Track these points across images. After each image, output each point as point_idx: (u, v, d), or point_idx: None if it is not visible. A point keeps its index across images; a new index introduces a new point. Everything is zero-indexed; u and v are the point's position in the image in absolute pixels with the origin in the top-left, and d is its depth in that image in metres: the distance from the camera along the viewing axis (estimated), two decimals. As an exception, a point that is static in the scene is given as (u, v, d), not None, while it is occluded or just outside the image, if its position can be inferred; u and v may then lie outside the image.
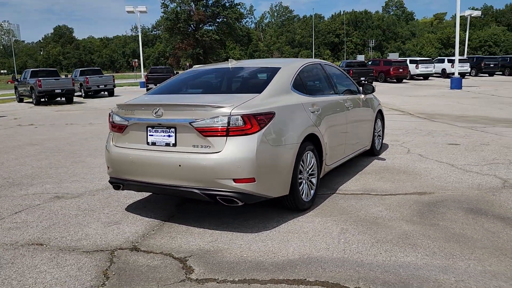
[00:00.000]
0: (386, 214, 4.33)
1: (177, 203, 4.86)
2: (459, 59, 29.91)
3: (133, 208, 4.75)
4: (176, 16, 54.44)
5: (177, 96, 4.48)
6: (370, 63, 36.63)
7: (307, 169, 4.49)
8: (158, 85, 4.99)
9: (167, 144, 3.96)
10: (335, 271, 3.17)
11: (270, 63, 4.99)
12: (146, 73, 31.15)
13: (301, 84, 4.74)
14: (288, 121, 4.17)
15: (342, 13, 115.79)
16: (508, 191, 4.95)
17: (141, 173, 4.06)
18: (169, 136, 3.95)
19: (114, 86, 28.69)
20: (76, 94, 24.28)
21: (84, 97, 26.31)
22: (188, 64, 70.24)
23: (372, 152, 6.89)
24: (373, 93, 6.76)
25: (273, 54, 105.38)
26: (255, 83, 4.49)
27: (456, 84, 24.34)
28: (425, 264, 3.24)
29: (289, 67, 4.70)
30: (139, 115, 4.09)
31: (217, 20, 58.35)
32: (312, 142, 4.51)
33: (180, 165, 3.80)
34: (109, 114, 4.46)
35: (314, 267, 3.24)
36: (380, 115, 7.16)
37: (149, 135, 4.06)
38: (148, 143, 4.07)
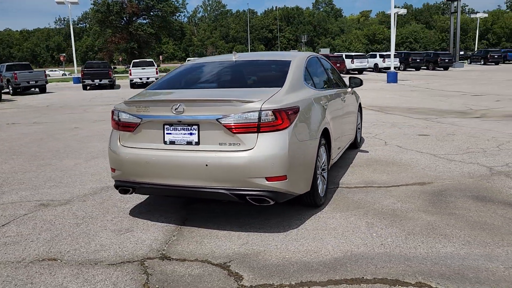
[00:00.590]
0: (401, 206, 4.38)
1: (183, 205, 4.58)
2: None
3: (137, 213, 4.40)
4: (107, 8, 51.86)
5: (192, 91, 4.18)
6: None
7: (321, 164, 4.43)
8: (157, 79, 4.64)
9: (189, 143, 3.69)
10: (387, 266, 3.12)
11: (276, 56, 4.84)
12: (81, 68, 29.30)
13: (310, 78, 4.65)
14: (309, 115, 4.06)
15: (274, 8, 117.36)
16: (498, 178, 5.23)
17: (158, 175, 3.75)
18: (191, 134, 3.68)
19: (47, 82, 26.82)
20: (3, 91, 22.32)
21: (12, 94, 24.30)
22: (120, 59, 67.30)
23: (355, 145, 6.99)
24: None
25: (207, 49, 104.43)
26: (271, 77, 4.31)
27: (392, 78, 25.62)
28: (467, 253, 3.30)
29: (297, 60, 4.58)
30: (155, 112, 3.76)
31: (152, 13, 56.52)
32: (324, 136, 4.45)
33: (207, 165, 3.55)
34: (113, 111, 4.07)
35: (364, 264, 3.17)
36: (359, 108, 7.28)
37: (167, 133, 3.76)
38: (165, 142, 3.76)
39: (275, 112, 3.55)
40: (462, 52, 61.09)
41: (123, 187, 3.98)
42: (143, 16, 57.45)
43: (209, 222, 4.07)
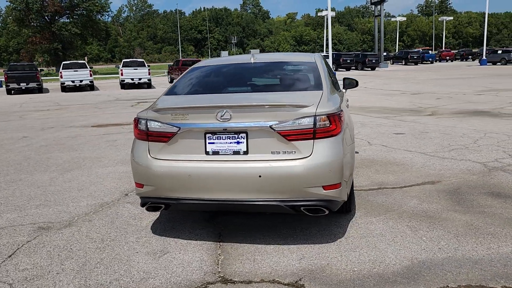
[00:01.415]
0: (429, 207, 4.39)
1: (208, 218, 4.23)
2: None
3: (161, 230, 3.98)
4: (26, 6, 47.99)
5: (228, 95, 3.83)
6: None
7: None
8: (174, 83, 4.23)
9: (236, 153, 3.38)
10: (462, 272, 3.07)
11: (292, 57, 4.64)
12: (4, 71, 26.83)
13: (330, 79, 4.51)
14: (347, 119, 3.93)
15: (203, 9, 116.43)
16: (498, 174, 5.46)
17: (200, 189, 3.39)
18: (238, 143, 3.38)
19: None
20: None
21: None
22: (41, 60, 62.67)
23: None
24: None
25: (134, 50, 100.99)
26: (303, 79, 4.08)
27: (333, 78, 26.41)
28: (525, 251, 3.35)
29: (319, 60, 4.40)
30: (196, 120, 3.40)
31: (76, 12, 53.26)
32: None
33: (260, 176, 3.27)
34: (137, 120, 3.64)
35: (439, 271, 3.09)
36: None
37: (209, 143, 3.41)
38: (207, 153, 3.42)
39: (329, 117, 3.36)
40: (385, 53, 64.82)
41: (156, 204, 3.57)
42: (67, 15, 53.95)
43: (247, 237, 3.78)
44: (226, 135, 3.38)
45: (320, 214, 3.43)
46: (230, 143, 3.38)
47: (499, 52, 47.84)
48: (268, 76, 4.28)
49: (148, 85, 26.87)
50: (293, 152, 3.32)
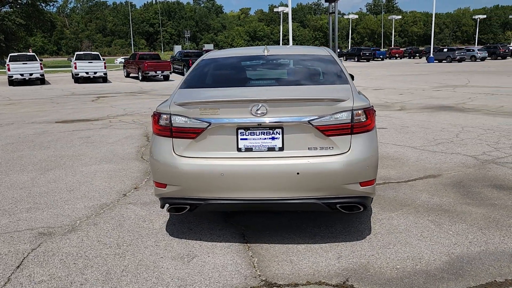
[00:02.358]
0: (441, 200, 4.43)
1: (225, 218, 4.02)
2: None
3: (179, 232, 3.73)
4: (-37, -6, 44.59)
5: (260, 89, 3.60)
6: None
7: None
8: (186, 77, 3.95)
9: (271, 149, 3.20)
10: (505, 266, 3.08)
11: (306, 50, 4.49)
12: None
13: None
14: None
15: (155, 2, 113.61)
16: (492, 167, 5.62)
17: (232, 188, 3.19)
18: (273, 138, 3.20)
19: None
20: None
21: None
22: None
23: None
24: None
25: (82, 42, 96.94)
26: (328, 73, 3.92)
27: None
28: (551, 242, 3.43)
29: (332, 54, 4.29)
30: (228, 115, 3.18)
31: (20, 1, 50.18)
32: None
33: (298, 173, 3.12)
34: (159, 115, 3.36)
35: (480, 265, 3.09)
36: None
37: (241, 139, 3.21)
38: (239, 149, 3.22)
39: (365, 111, 3.26)
40: (338, 50, 66.24)
41: (181, 205, 3.32)
42: (10, 4, 50.73)
43: (272, 236, 3.62)
44: (261, 131, 3.19)
45: (355, 212, 3.34)
46: (265, 139, 3.20)
47: (445, 50, 50.28)
48: (289, 70, 4.11)
49: (104, 79, 25.80)
50: (331, 148, 3.19)
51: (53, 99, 16.33)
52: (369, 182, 3.27)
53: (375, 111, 3.42)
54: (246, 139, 3.21)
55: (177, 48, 68.77)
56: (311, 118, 3.14)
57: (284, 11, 54.23)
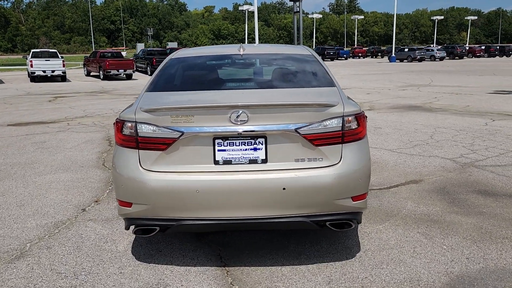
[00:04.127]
0: (428, 209, 4.18)
1: (196, 238, 3.60)
2: None
3: (147, 256, 3.28)
4: None
5: (238, 93, 3.18)
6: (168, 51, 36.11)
7: None
8: (154, 78, 3.48)
9: (253, 161, 2.82)
10: (508, 286, 2.82)
11: (284, 49, 4.11)
12: None
13: None
14: None
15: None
16: (473, 170, 5.46)
17: (210, 207, 2.78)
18: (255, 149, 2.81)
19: None
20: None
21: None
22: None
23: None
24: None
25: (39, 39, 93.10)
26: (312, 74, 3.53)
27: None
28: (550, 256, 3.22)
29: (314, 53, 3.94)
30: (204, 123, 2.76)
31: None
32: None
33: (284, 188, 2.75)
34: (122, 122, 2.91)
35: (483, 285, 2.82)
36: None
37: (218, 150, 2.81)
38: (216, 162, 2.81)
39: (357, 117, 2.93)
40: (303, 49, 66.52)
41: (150, 226, 2.88)
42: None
43: (252, 257, 3.24)
44: (241, 141, 2.80)
45: (346, 229, 3.00)
46: (246, 150, 2.81)
47: (406, 50, 51.44)
48: (269, 71, 3.72)
49: (63, 78, 24.58)
50: (320, 159, 2.84)
51: (6, 100, 15.28)
52: (362, 196, 2.94)
53: (366, 117, 3.09)
54: (224, 150, 2.81)
55: (140, 46, 66.82)
56: (298, 126, 2.77)
57: (249, 10, 53.91)
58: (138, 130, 2.83)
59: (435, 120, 9.30)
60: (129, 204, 2.88)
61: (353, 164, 2.87)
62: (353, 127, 2.90)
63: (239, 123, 2.75)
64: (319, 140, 2.81)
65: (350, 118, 2.88)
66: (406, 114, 10.38)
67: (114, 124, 3.02)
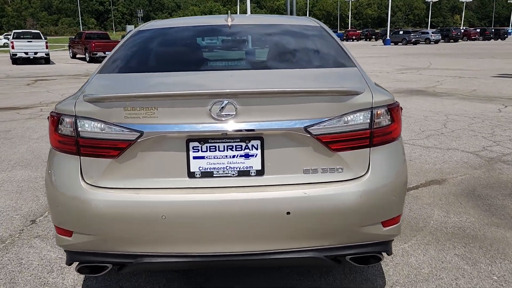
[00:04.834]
0: (459, 220, 3.39)
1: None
2: None
3: (102, 294, 2.45)
4: None
5: (221, 74, 2.31)
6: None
7: None
8: (112, 54, 2.59)
9: (244, 173, 1.97)
10: None
11: (284, 20, 3.19)
12: None
13: None
14: None
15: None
16: (502, 167, 4.67)
17: (182, 239, 1.94)
18: (246, 156, 1.96)
19: None
20: None
21: None
22: None
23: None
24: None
25: (26, 21, 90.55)
26: (322, 51, 2.65)
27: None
28: None
29: (323, 25, 3.05)
30: (173, 118, 1.90)
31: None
32: None
33: (288, 213, 1.91)
34: (57, 117, 2.04)
35: None
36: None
37: (194, 157, 1.95)
38: (192, 175, 1.96)
39: (391, 109, 2.08)
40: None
41: (98, 263, 2.04)
42: None
43: (245, 295, 2.42)
44: (227, 144, 1.95)
45: (372, 264, 2.18)
46: (233, 157, 1.96)
47: (401, 33, 50.49)
48: (266, 47, 2.82)
49: (46, 60, 23.42)
50: (340, 170, 2.00)
51: (-19, 83, 14.24)
52: (395, 219, 2.12)
53: (402, 108, 2.25)
54: (203, 157, 1.95)
55: (130, 28, 65.03)
56: (308, 123, 1.92)
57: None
58: (79, 129, 1.96)
59: (443, 106, 8.50)
60: (68, 233, 2.02)
61: (386, 175, 2.04)
62: (385, 124, 2.05)
63: (223, 118, 1.89)
64: (338, 143, 1.96)
65: (381, 111, 2.04)
66: (410, 99, 9.57)
67: (48, 118, 2.14)
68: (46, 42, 23.69)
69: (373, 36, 63.28)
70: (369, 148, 2.02)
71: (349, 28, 76.53)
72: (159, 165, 1.94)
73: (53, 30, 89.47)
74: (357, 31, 66.21)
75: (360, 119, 1.99)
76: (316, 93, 1.93)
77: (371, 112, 2.00)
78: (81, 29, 70.95)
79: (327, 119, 1.94)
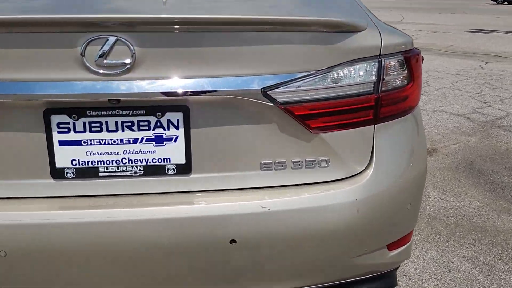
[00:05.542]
0: (461, 205, 2.71)
1: None
2: None
3: None
4: None
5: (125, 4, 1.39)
6: None
7: None
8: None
9: (154, 170, 1.11)
10: None
11: None
12: None
13: None
14: None
15: None
16: (498, 132, 4.01)
17: (36, 286, 1.10)
18: (158, 140, 1.09)
19: None
20: None
21: None
22: None
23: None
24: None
25: None
26: None
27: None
28: None
29: None
30: (16, 71, 0.99)
31: None
32: None
33: (234, 242, 1.09)
34: None
35: None
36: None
37: (61, 142, 1.07)
38: (59, 174, 1.08)
39: (408, 59, 1.24)
40: None
41: None
42: None
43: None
44: (122, 119, 1.07)
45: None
46: (135, 141, 1.09)
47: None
48: None
49: None
50: (325, 164, 1.17)
51: None
52: (406, 238, 1.34)
53: (423, 59, 1.41)
54: (78, 142, 1.08)
55: None
56: (270, 82, 1.06)
57: None
58: None
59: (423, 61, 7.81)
60: None
61: (398, 171, 1.23)
62: (400, 84, 1.22)
63: (111, 70, 0.99)
64: (321, 117, 1.12)
65: (393, 62, 1.19)
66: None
67: None
68: None
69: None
70: (373, 126, 1.19)
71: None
72: (-4, 158, 1.06)
73: None
74: None
75: (359, 76, 1.14)
76: (285, 26, 1.06)
77: (379, 63, 1.16)
78: None
79: (303, 74, 1.08)
